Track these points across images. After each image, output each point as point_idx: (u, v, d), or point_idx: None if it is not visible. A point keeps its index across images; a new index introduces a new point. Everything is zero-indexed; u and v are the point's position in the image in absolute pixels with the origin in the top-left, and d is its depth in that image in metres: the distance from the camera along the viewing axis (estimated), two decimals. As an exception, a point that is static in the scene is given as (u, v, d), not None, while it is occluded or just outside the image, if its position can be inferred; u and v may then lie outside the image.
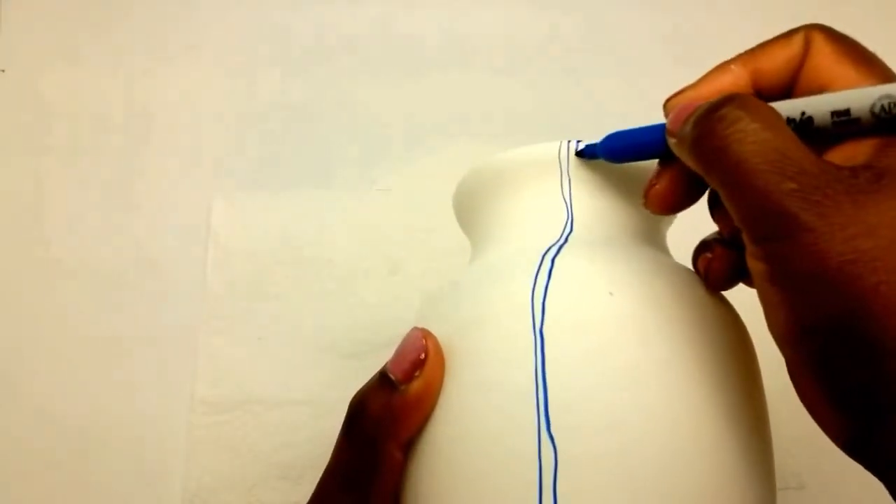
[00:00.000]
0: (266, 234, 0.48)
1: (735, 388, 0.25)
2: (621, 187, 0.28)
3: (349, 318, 0.45)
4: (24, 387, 0.44)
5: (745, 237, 0.21)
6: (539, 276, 0.25)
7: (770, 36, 0.26)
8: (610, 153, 0.27)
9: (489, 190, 0.29)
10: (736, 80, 0.25)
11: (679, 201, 0.26)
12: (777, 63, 0.25)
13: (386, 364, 0.26)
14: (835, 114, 0.22)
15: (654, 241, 0.29)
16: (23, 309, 0.46)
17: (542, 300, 0.24)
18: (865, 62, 0.24)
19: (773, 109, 0.22)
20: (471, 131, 0.52)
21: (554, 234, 0.27)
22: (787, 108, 0.23)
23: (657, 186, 0.26)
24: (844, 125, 0.22)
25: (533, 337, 0.24)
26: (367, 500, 0.26)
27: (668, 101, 0.26)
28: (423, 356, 0.25)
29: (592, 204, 0.28)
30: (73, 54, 0.53)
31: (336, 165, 0.51)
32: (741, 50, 0.26)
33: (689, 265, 0.28)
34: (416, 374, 0.25)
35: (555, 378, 0.23)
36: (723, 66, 0.26)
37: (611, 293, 0.24)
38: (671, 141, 0.24)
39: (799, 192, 0.20)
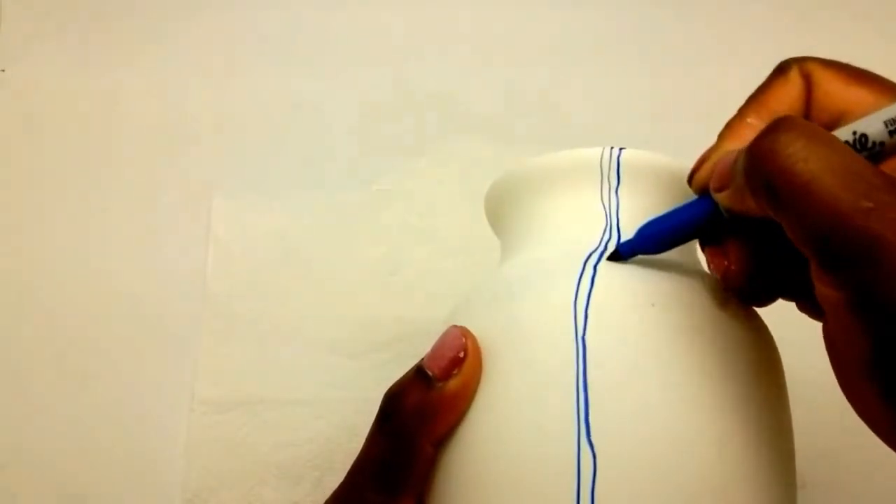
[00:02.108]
0: (266, 235, 0.48)
1: (766, 400, 0.25)
2: (659, 196, 0.28)
3: (349, 318, 0.45)
4: (24, 387, 0.44)
5: (814, 265, 0.20)
6: (581, 284, 0.25)
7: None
8: (648, 244, 0.25)
9: (527, 192, 0.29)
10: (757, 130, 0.24)
11: (757, 270, 0.24)
12: (788, 102, 0.25)
13: (423, 360, 0.26)
14: (889, 122, 0.22)
15: (689, 249, 0.29)
16: (23, 308, 0.46)
17: (584, 308, 0.24)
18: (873, 81, 0.24)
19: (825, 130, 0.21)
20: (472, 131, 0.52)
21: (593, 241, 0.27)
22: (838, 133, 0.22)
23: (733, 267, 0.24)
24: None
25: (575, 344, 0.24)
26: (397, 495, 0.26)
27: (692, 174, 0.26)
28: (462, 354, 0.25)
29: (632, 211, 0.28)
30: (74, 54, 0.53)
31: (335, 165, 0.51)
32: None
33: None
34: (455, 371, 0.25)
35: (596, 386, 0.23)
36: (738, 121, 0.25)
37: (653, 304, 0.25)
38: (720, 196, 0.23)
39: (877, 211, 0.19)
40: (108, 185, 0.50)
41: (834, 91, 0.24)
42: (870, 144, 0.22)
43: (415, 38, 0.55)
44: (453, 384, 0.25)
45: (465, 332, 0.26)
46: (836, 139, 0.21)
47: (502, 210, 0.31)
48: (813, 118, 0.24)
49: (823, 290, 0.20)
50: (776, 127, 0.21)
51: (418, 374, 0.26)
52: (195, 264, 0.47)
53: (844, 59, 0.25)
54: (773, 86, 0.25)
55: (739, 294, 0.25)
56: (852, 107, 0.23)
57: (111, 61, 0.53)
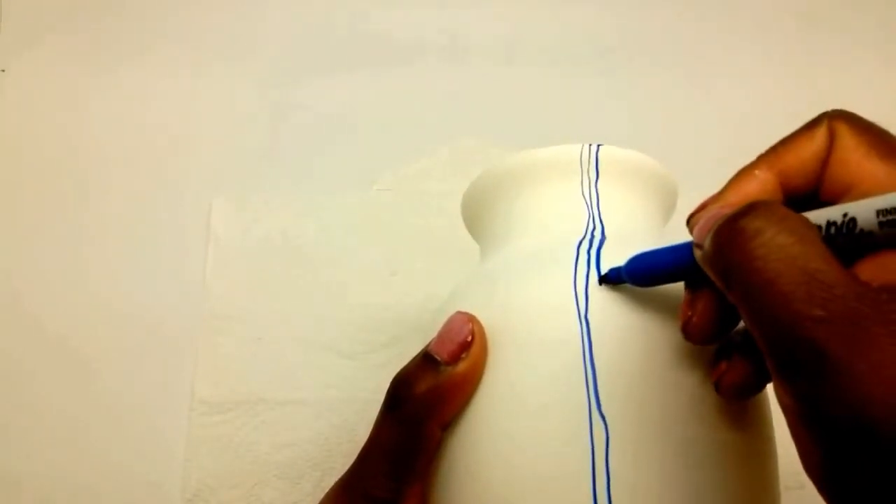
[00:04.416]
0: (266, 234, 0.48)
1: None
2: (636, 189, 0.30)
3: (349, 318, 0.45)
4: (24, 387, 0.44)
5: (769, 365, 0.19)
6: (579, 267, 0.26)
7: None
8: (636, 277, 0.25)
9: (510, 188, 0.31)
10: (762, 185, 0.24)
11: (721, 328, 0.23)
12: (803, 160, 0.24)
13: (429, 345, 0.27)
14: (880, 212, 0.20)
15: (661, 234, 0.31)
16: (22, 307, 0.46)
17: (584, 288, 0.26)
18: (894, 155, 0.23)
19: (801, 219, 0.20)
20: (472, 131, 0.52)
21: (579, 230, 0.28)
22: (829, 212, 0.21)
23: (695, 319, 0.23)
24: (892, 224, 0.20)
25: (579, 323, 0.25)
26: (408, 478, 0.26)
27: (691, 217, 0.25)
28: (469, 338, 0.26)
29: (611, 204, 0.29)
30: (74, 54, 0.53)
31: (336, 165, 0.51)
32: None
33: None
34: (463, 355, 0.26)
35: (602, 361, 0.24)
36: (747, 172, 0.24)
37: None
38: (698, 254, 0.22)
39: (828, 321, 0.17)
40: (108, 185, 0.50)
41: (851, 160, 0.23)
42: (857, 231, 0.20)
43: (415, 38, 0.55)
44: (462, 368, 0.26)
45: (471, 317, 0.26)
46: (807, 233, 0.19)
47: (483, 208, 0.32)
48: (826, 182, 0.24)
49: (778, 392, 0.20)
50: (746, 212, 0.20)
51: (426, 360, 0.26)
52: (195, 264, 0.47)
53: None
54: (796, 139, 0.24)
55: (700, 342, 0.24)
56: (861, 182, 0.22)
57: (111, 62, 0.53)
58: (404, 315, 0.45)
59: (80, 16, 0.54)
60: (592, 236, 0.28)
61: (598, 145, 0.30)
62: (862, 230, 0.20)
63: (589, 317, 0.25)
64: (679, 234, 0.26)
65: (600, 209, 0.29)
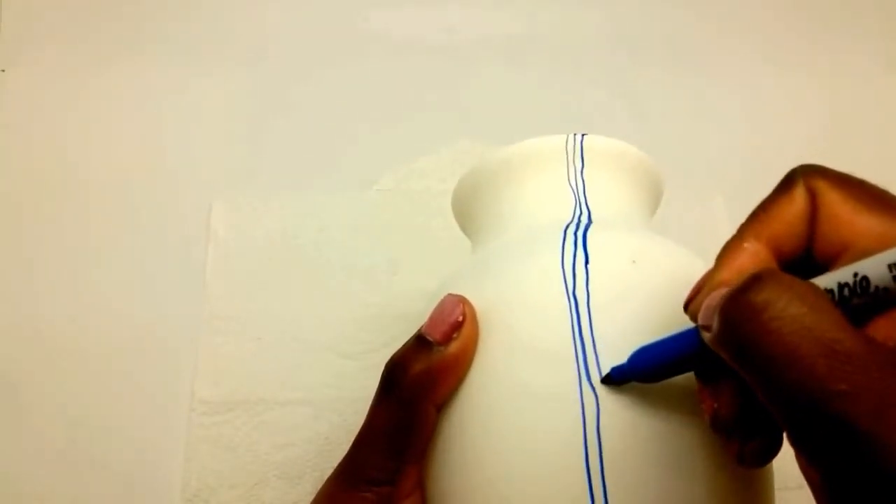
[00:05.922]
0: (266, 234, 0.48)
1: None
2: (620, 176, 0.31)
3: (349, 318, 0.45)
4: (24, 387, 0.44)
5: (790, 441, 0.19)
6: (566, 247, 0.27)
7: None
8: (641, 373, 0.24)
9: (498, 181, 0.31)
10: (754, 257, 0.23)
11: (750, 414, 0.22)
12: (789, 223, 0.23)
13: (422, 328, 0.27)
14: (892, 266, 0.19)
15: (647, 223, 0.32)
16: (24, 308, 0.46)
17: (571, 267, 0.26)
18: (882, 205, 0.22)
19: (809, 285, 0.19)
20: (471, 131, 0.52)
21: (566, 216, 0.29)
22: (838, 275, 0.20)
23: (723, 412, 0.22)
24: None
25: (567, 300, 0.26)
26: (405, 458, 0.27)
27: (688, 302, 0.24)
28: (461, 318, 0.26)
29: (597, 190, 0.30)
30: (74, 54, 0.53)
31: (336, 165, 0.51)
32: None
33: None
34: (455, 335, 0.26)
35: (589, 335, 0.25)
36: (735, 246, 0.23)
37: (633, 261, 0.27)
38: (706, 336, 0.21)
39: (852, 394, 0.17)
40: (107, 185, 0.50)
41: (840, 216, 0.22)
42: (871, 289, 0.20)
43: (415, 39, 0.55)
44: (455, 347, 0.26)
45: (461, 299, 0.27)
46: (817, 300, 0.19)
47: (472, 203, 0.33)
48: (816, 246, 0.23)
49: (802, 465, 0.19)
50: (751, 285, 0.19)
51: (419, 342, 0.27)
52: (195, 264, 0.47)
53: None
54: (776, 203, 0.23)
55: (726, 433, 0.23)
56: (858, 238, 0.22)
57: (111, 62, 0.53)
58: (404, 315, 0.45)
59: (79, 16, 0.54)
60: (579, 220, 0.29)
61: (583, 134, 0.30)
62: (877, 287, 0.20)
63: (577, 294, 0.26)
64: (669, 228, 0.26)
65: (587, 196, 0.30)
